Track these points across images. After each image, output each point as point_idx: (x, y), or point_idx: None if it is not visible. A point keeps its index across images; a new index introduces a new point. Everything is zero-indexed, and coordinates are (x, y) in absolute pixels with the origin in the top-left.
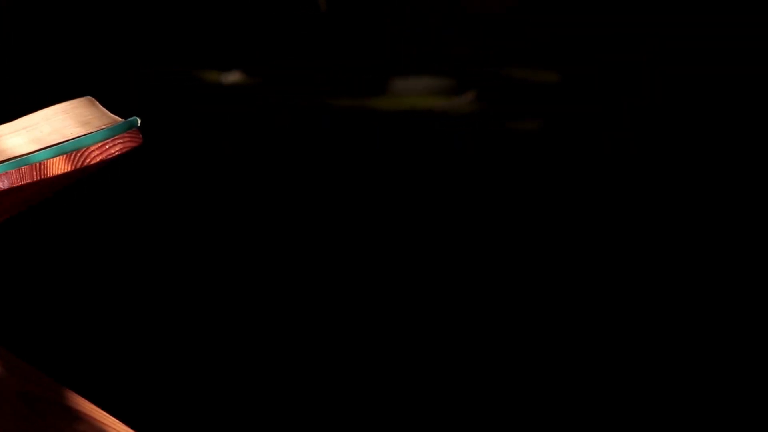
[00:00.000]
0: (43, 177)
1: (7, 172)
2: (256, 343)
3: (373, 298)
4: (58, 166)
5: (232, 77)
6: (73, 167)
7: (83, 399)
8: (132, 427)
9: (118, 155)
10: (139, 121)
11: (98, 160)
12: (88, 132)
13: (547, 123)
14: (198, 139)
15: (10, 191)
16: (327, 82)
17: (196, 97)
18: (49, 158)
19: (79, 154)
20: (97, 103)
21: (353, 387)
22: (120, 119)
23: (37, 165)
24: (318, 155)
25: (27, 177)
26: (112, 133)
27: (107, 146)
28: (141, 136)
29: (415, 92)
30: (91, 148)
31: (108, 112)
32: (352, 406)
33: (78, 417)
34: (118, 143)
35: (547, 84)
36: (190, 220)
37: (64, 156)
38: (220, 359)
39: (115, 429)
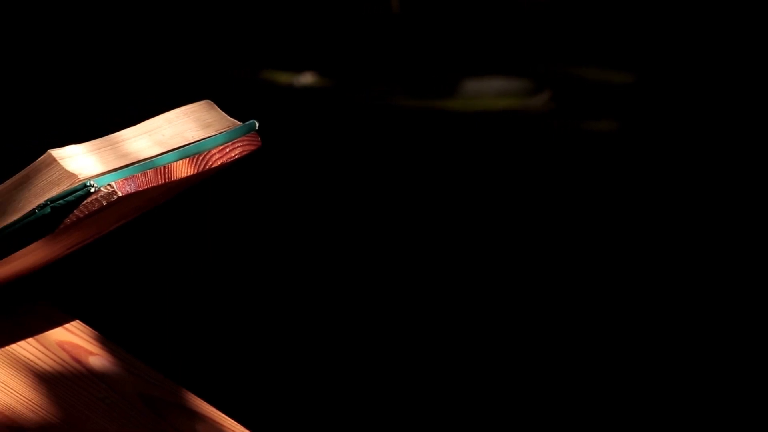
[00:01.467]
0: (167, 180)
1: (133, 176)
2: (364, 343)
3: (452, 298)
4: (182, 169)
5: (305, 79)
6: (196, 170)
7: (202, 400)
8: (249, 429)
9: (238, 158)
10: (257, 125)
11: (219, 163)
12: (209, 135)
13: (624, 124)
14: (272, 141)
15: (136, 194)
16: (398, 83)
17: (268, 100)
18: (174, 161)
19: (201, 157)
20: (215, 106)
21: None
22: (238, 122)
23: (162, 168)
24: (390, 157)
25: (152, 180)
26: (232, 136)
27: (227, 149)
28: (259, 139)
29: (487, 94)
30: (212, 152)
31: (226, 115)
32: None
33: (197, 418)
34: (238, 146)
35: (623, 84)
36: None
37: (188, 159)
38: (334, 358)
39: (233, 430)
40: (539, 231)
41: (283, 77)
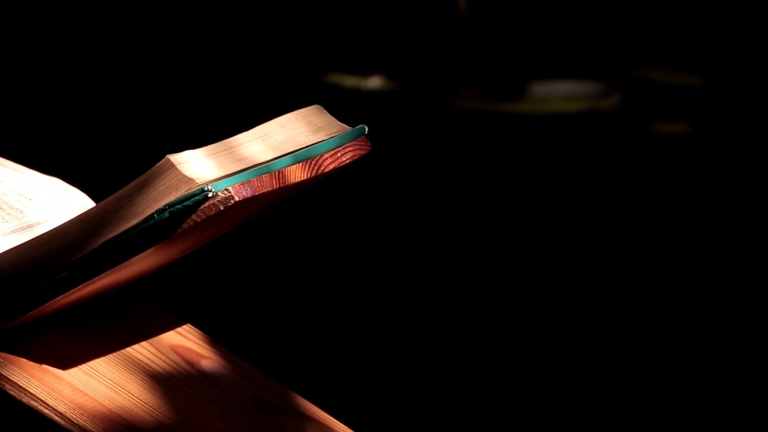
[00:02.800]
0: (282, 185)
1: (249, 180)
2: (471, 344)
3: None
4: (296, 174)
5: (372, 83)
6: (309, 175)
7: (311, 404)
8: None
9: (348, 163)
10: (367, 129)
11: (331, 167)
12: (320, 140)
13: (693, 126)
14: None
15: (251, 199)
16: (466, 86)
17: (336, 103)
18: (288, 166)
19: (313, 162)
20: (325, 111)
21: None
22: (348, 127)
23: (277, 173)
24: (457, 160)
25: (267, 185)
26: (342, 140)
27: (339, 154)
28: (369, 143)
29: (555, 97)
30: (325, 156)
31: (336, 120)
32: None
33: (308, 421)
34: (349, 151)
35: (692, 87)
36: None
37: (301, 164)
38: (437, 360)
39: None
40: (610, 232)
41: (350, 81)
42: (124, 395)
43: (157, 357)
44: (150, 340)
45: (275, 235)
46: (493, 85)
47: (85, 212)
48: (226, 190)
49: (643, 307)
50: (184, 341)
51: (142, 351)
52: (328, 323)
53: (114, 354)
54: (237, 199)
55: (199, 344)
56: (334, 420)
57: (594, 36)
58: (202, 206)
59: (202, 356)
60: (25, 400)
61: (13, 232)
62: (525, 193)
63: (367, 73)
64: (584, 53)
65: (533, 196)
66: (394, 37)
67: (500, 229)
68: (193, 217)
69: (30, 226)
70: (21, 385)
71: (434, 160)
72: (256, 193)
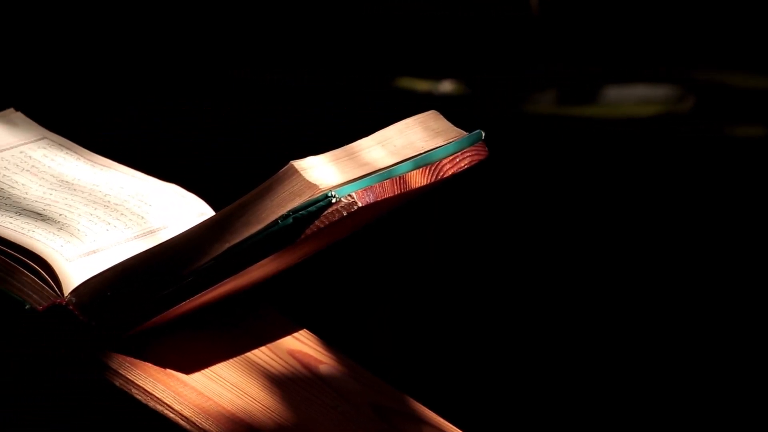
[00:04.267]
0: (403, 190)
1: (372, 186)
2: (584, 346)
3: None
4: (416, 179)
5: (444, 87)
6: (429, 180)
7: (427, 409)
8: None
9: (466, 168)
10: (484, 134)
11: (450, 173)
12: (438, 145)
13: None
14: None
15: (373, 204)
16: (540, 90)
17: (408, 107)
18: (409, 171)
19: (433, 167)
20: (441, 116)
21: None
22: (464, 132)
23: (398, 178)
24: (530, 165)
25: (389, 190)
26: (461, 146)
27: (457, 159)
28: (486, 149)
29: (629, 100)
30: (444, 161)
31: (452, 125)
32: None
33: (427, 427)
34: (467, 156)
35: None
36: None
37: (421, 169)
38: (552, 365)
39: None
40: (690, 236)
41: (422, 85)
42: (246, 399)
43: (276, 362)
44: (268, 345)
45: (388, 239)
46: (566, 88)
47: (209, 218)
48: (350, 195)
49: (727, 313)
50: (301, 346)
51: (261, 356)
52: (443, 327)
53: (235, 358)
54: (360, 204)
55: (316, 349)
56: (451, 425)
57: (669, 38)
58: (326, 212)
59: (320, 361)
60: (151, 404)
61: (135, 237)
62: (600, 198)
63: (439, 77)
64: (659, 56)
65: (608, 200)
66: (466, 39)
67: (577, 233)
68: (317, 222)
69: (151, 232)
70: (147, 389)
71: (506, 165)
72: (378, 199)
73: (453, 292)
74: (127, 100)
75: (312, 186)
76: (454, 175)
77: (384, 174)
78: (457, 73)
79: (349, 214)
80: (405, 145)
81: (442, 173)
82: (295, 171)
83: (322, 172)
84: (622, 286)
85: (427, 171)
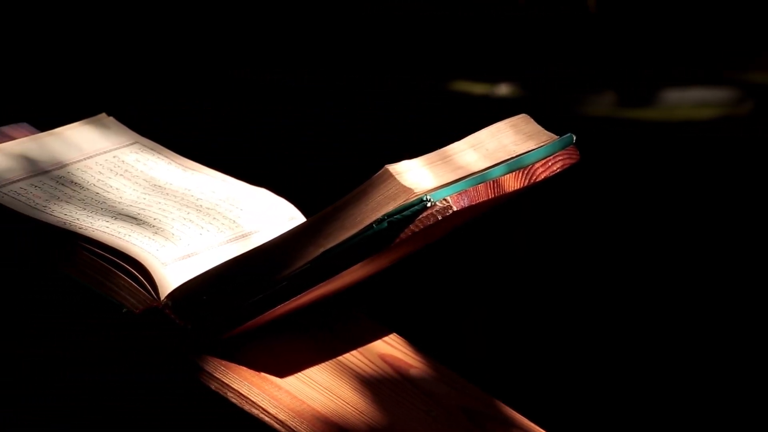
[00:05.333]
0: (497, 194)
1: (466, 190)
2: (671, 349)
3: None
4: (510, 183)
5: (501, 90)
6: (522, 184)
7: (516, 413)
8: None
9: (558, 172)
10: (575, 138)
11: (543, 176)
12: (530, 149)
13: None
14: None
15: (467, 209)
16: (597, 91)
17: (464, 111)
18: (502, 175)
19: (526, 171)
20: (532, 120)
21: None
22: (555, 136)
23: (492, 182)
24: (589, 167)
25: (483, 194)
26: (553, 149)
27: (549, 163)
28: (578, 153)
29: (687, 103)
30: (536, 165)
31: (543, 128)
32: None
33: (515, 430)
34: (559, 160)
35: None
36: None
37: (515, 172)
38: (647, 367)
39: None
40: (747, 239)
41: (479, 88)
42: (339, 403)
43: (368, 365)
44: (360, 349)
45: (476, 243)
46: (623, 91)
47: (303, 223)
48: (445, 199)
49: None
50: (392, 350)
51: (353, 359)
52: (533, 330)
53: (327, 362)
54: (455, 208)
55: (406, 353)
56: (541, 430)
57: (727, 41)
58: (420, 216)
59: (411, 365)
60: (246, 407)
61: (228, 241)
62: (657, 201)
63: (495, 80)
64: (718, 58)
65: (665, 204)
66: (522, 42)
67: (638, 235)
68: (411, 227)
69: (244, 236)
70: (242, 393)
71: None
72: (473, 203)
73: (540, 295)
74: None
75: (407, 190)
76: (546, 179)
77: (478, 178)
78: (514, 76)
79: (444, 218)
80: (497, 148)
81: (535, 177)
82: (390, 175)
83: (417, 175)
84: (694, 288)
85: (521, 174)
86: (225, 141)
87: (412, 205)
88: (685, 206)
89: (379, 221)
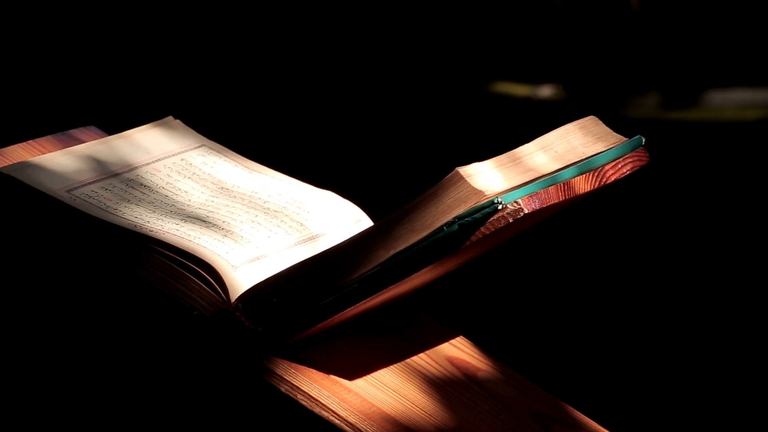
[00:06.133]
0: (568, 196)
1: (537, 192)
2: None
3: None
4: (581, 185)
5: (543, 92)
6: (592, 186)
7: (588, 418)
8: None
9: (628, 174)
10: (644, 140)
11: (612, 179)
12: (600, 151)
13: None
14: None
15: (537, 211)
16: (641, 93)
17: (508, 113)
18: (572, 177)
19: (595, 173)
20: (600, 121)
21: None
22: (624, 138)
23: (563, 184)
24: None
25: (553, 197)
26: (623, 151)
27: (619, 165)
28: (648, 154)
29: (731, 105)
30: (606, 167)
31: (611, 130)
32: None
33: None
34: (629, 162)
35: None
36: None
37: (585, 175)
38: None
39: None
40: None
41: (521, 90)
42: (408, 405)
43: (436, 368)
44: (427, 352)
45: (541, 246)
46: (668, 92)
47: (373, 225)
48: (516, 202)
49: None
50: (459, 353)
51: (420, 362)
52: (599, 333)
53: (395, 365)
54: (526, 211)
55: (474, 356)
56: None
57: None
58: (491, 219)
59: (478, 368)
60: (317, 410)
61: (296, 244)
62: (702, 202)
63: (537, 81)
64: (762, 59)
65: (710, 204)
66: (565, 42)
67: (680, 237)
68: (482, 229)
69: (311, 239)
70: (313, 395)
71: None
72: (544, 205)
73: (606, 298)
74: (188, 103)
75: (478, 192)
76: (615, 182)
77: (548, 180)
78: (556, 78)
79: (515, 220)
80: (567, 150)
81: (605, 179)
82: (461, 177)
83: (488, 178)
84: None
85: (591, 177)
86: (288, 143)
87: (483, 207)
88: (729, 207)
89: (449, 224)
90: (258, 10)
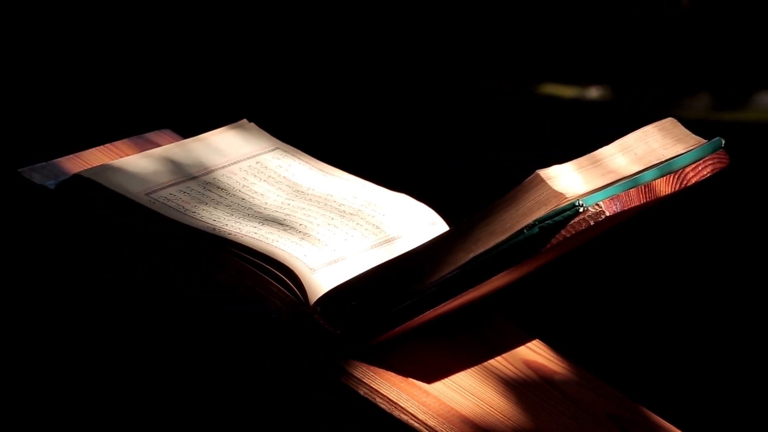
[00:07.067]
0: (649, 199)
1: (618, 195)
2: None
3: None
4: (661, 187)
5: (591, 93)
6: (673, 189)
7: (660, 418)
8: None
9: (709, 176)
10: (723, 142)
11: (693, 181)
12: (679, 153)
13: None
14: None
15: (618, 214)
16: (690, 94)
17: (553, 115)
18: (653, 180)
19: (677, 176)
20: (679, 123)
21: None
22: (703, 140)
23: (644, 187)
24: None
25: (635, 199)
26: (703, 153)
27: (700, 167)
28: (728, 157)
29: None
30: (687, 169)
31: (690, 132)
32: None
33: None
34: (710, 164)
35: None
36: None
37: (666, 177)
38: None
39: None
40: None
41: (568, 91)
42: (486, 409)
43: (513, 371)
44: (504, 355)
45: (614, 248)
46: (718, 93)
47: (451, 228)
48: (597, 204)
49: None
50: (536, 356)
51: (497, 365)
52: (678, 335)
53: (472, 368)
54: (608, 213)
55: (550, 359)
56: None
57: None
58: (572, 221)
59: (555, 372)
60: (396, 413)
61: (372, 247)
62: (753, 204)
63: (585, 83)
64: None
65: (762, 207)
66: (613, 42)
67: (734, 240)
68: (563, 232)
69: (388, 241)
70: (392, 399)
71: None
72: (625, 208)
73: (684, 300)
74: (258, 106)
75: (558, 195)
76: (696, 184)
77: (629, 182)
78: (604, 79)
79: (596, 223)
80: (646, 152)
81: (686, 181)
82: (541, 180)
83: (568, 180)
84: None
85: (672, 179)
86: (359, 145)
87: (563, 210)
88: None
89: (530, 226)
90: (333, 12)
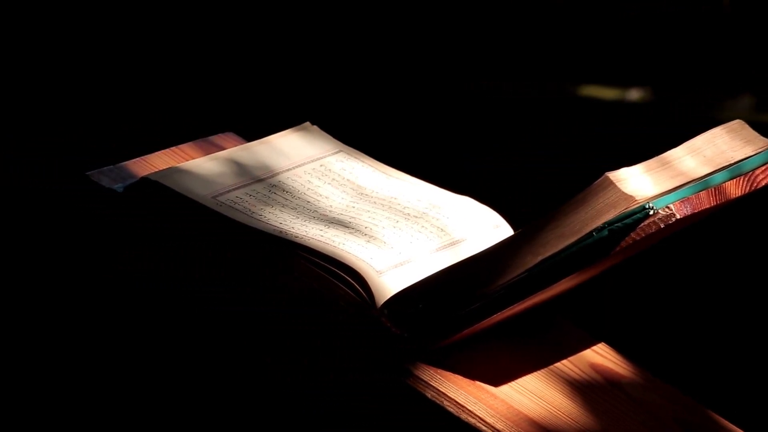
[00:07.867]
0: (719, 201)
1: (688, 197)
2: None
3: None
4: (732, 190)
5: (632, 95)
6: (743, 191)
7: (730, 423)
8: None
9: None
10: None
11: (764, 183)
12: (748, 155)
13: None
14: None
15: (687, 216)
16: (733, 95)
17: (597, 116)
18: (724, 182)
19: (747, 178)
20: (747, 125)
21: None
22: None
23: (714, 189)
24: None
25: (705, 202)
26: None
27: None
28: None
29: None
30: (757, 171)
31: (758, 134)
32: None
33: None
34: None
35: None
36: None
37: (736, 179)
38: None
39: None
40: None
41: (609, 93)
42: (553, 412)
43: (579, 375)
44: (570, 358)
45: (680, 252)
46: (762, 94)
47: (518, 231)
48: (667, 207)
49: None
50: (602, 360)
51: (564, 368)
52: (747, 341)
53: (539, 371)
54: (678, 216)
55: (616, 363)
56: None
57: None
58: (642, 224)
59: (622, 375)
60: (464, 416)
61: (438, 250)
62: None
63: (626, 84)
64: None
65: None
66: (654, 43)
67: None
68: (632, 235)
69: (453, 244)
70: (459, 402)
71: None
72: (696, 210)
73: (752, 306)
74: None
75: (628, 197)
76: (766, 186)
77: (700, 184)
78: (646, 80)
79: (666, 226)
80: (715, 154)
81: (756, 183)
82: (611, 182)
83: (638, 183)
84: None
85: (742, 181)
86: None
87: (633, 213)
88: None
89: (599, 229)
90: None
